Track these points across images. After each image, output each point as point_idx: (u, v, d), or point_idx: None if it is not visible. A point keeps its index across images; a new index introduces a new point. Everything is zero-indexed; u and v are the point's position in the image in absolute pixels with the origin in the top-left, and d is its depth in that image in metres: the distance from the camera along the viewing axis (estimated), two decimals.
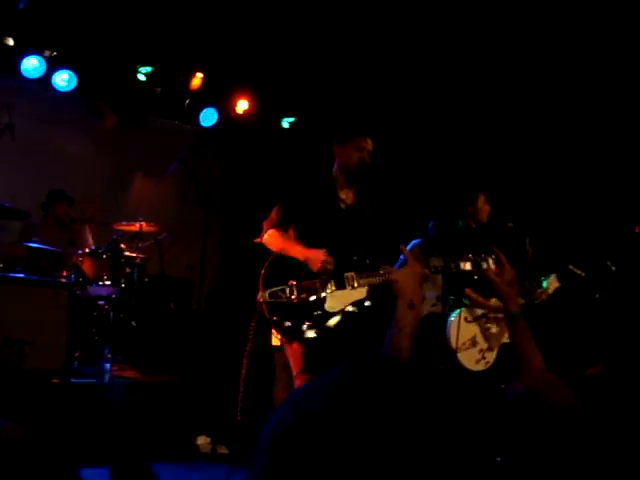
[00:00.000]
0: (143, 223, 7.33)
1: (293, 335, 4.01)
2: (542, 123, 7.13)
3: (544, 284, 5.45)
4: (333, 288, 4.07)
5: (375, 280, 4.21)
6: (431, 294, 5.37)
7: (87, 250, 6.88)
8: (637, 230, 6.02)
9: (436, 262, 4.48)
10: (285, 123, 9.17)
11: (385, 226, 4.49)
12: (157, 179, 9.04)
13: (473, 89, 7.38)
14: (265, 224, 4.32)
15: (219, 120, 8.86)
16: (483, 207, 5.73)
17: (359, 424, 0.93)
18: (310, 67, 7.95)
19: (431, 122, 7.78)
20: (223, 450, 5.93)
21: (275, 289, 3.99)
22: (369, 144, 4.40)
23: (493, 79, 7.18)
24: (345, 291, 4.09)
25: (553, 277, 5.43)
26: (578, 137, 6.89)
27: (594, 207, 6.72)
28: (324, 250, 4.07)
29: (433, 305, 5.40)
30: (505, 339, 5.33)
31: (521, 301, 5.23)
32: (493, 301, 5.23)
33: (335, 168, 4.48)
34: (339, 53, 7.54)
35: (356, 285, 4.12)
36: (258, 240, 4.31)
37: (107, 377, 6.00)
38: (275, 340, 4.17)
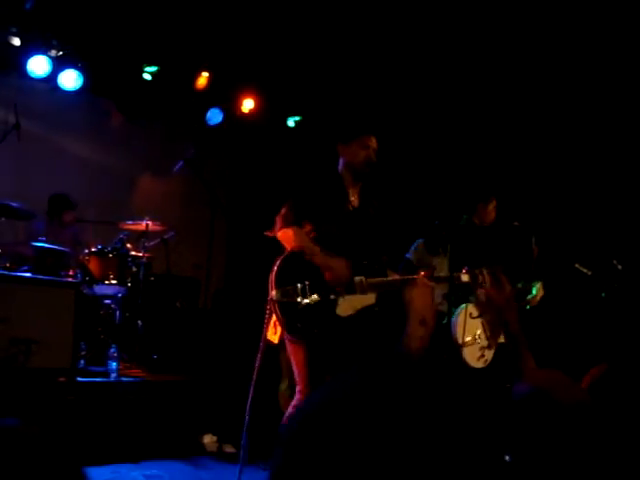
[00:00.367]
0: (149, 222, 7.33)
1: (302, 336, 3.98)
2: (549, 123, 7.12)
3: (534, 291, 5.48)
4: (344, 292, 4.06)
5: (384, 286, 4.22)
6: (437, 292, 5.38)
7: (92, 249, 6.90)
8: None
9: (439, 265, 4.51)
10: (291, 122, 9.17)
11: (386, 228, 4.47)
12: (163, 178, 9.05)
13: (477, 87, 7.37)
14: (280, 219, 4.20)
15: (225, 119, 8.86)
16: (491, 211, 5.73)
17: (376, 427, 0.94)
18: (315, 66, 7.95)
19: (439, 119, 7.78)
20: (229, 449, 5.95)
21: (287, 287, 3.95)
22: (374, 142, 4.39)
23: (502, 76, 7.17)
24: (355, 296, 4.08)
25: (540, 285, 5.47)
26: (585, 136, 6.88)
27: (600, 206, 6.70)
28: (346, 263, 4.05)
29: (439, 304, 5.41)
30: (502, 339, 5.35)
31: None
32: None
33: (340, 168, 4.43)
34: (345, 52, 7.55)
35: (366, 290, 4.11)
36: (271, 234, 4.23)
37: (114, 376, 6.02)
38: (272, 336, 4.11)
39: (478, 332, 5.28)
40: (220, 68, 8.46)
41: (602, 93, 6.69)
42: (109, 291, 6.90)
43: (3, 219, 6.40)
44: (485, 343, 5.30)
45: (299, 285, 3.94)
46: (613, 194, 6.70)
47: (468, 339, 5.19)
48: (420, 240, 6.57)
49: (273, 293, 3.95)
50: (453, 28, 6.94)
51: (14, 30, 7.33)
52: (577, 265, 5.51)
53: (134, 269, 7.15)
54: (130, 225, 7.42)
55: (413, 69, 7.54)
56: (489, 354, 5.30)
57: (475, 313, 5.27)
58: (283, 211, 4.20)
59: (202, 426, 6.06)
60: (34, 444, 1.07)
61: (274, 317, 4.00)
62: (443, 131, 7.74)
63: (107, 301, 6.93)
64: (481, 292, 5.13)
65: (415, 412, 0.98)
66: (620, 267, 5.34)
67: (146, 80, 8.19)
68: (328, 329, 3.98)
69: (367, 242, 4.28)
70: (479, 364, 5.23)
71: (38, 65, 7.51)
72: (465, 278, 4.34)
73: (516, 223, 5.57)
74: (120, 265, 6.96)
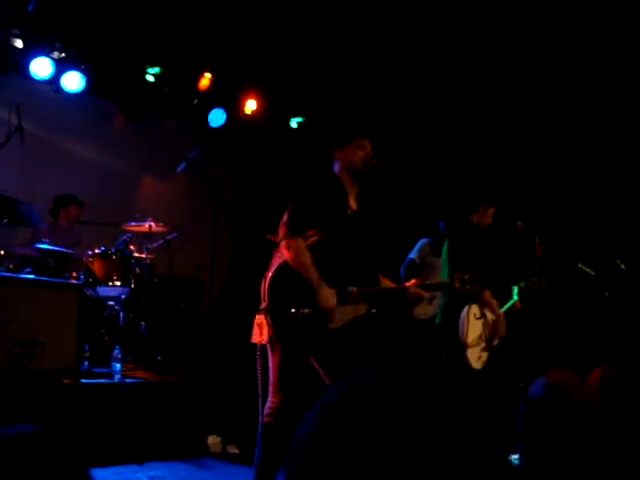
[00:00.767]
0: (152, 223, 7.34)
1: (292, 346, 3.98)
2: (553, 122, 7.12)
3: (515, 296, 5.51)
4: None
5: (376, 296, 4.22)
6: (441, 292, 5.40)
7: (96, 251, 6.91)
8: None
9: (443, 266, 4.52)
10: (293, 123, 9.17)
11: (381, 232, 4.45)
12: (166, 179, 9.06)
13: (480, 88, 7.37)
14: (284, 227, 4.09)
15: (228, 120, 8.87)
16: (490, 215, 5.63)
17: (392, 429, 0.94)
18: (318, 67, 7.95)
19: (442, 120, 7.78)
20: (233, 449, 5.95)
21: (282, 298, 3.95)
22: (369, 146, 4.35)
23: (503, 78, 7.17)
24: (346, 307, 4.07)
25: (516, 290, 5.53)
26: (589, 136, 6.88)
27: (603, 206, 6.70)
28: (334, 291, 4.03)
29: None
30: (496, 342, 5.37)
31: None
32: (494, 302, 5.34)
33: (338, 172, 4.34)
34: (347, 52, 7.55)
35: (358, 301, 4.11)
36: (277, 239, 4.17)
37: (117, 377, 6.02)
38: (258, 339, 4.07)
39: (480, 333, 5.30)
40: (223, 69, 8.47)
41: (603, 94, 6.69)
42: (112, 293, 6.91)
43: (5, 220, 6.40)
44: (484, 344, 5.32)
45: (293, 297, 3.94)
46: (616, 194, 6.69)
47: (472, 340, 5.20)
48: (424, 240, 6.58)
49: (266, 304, 3.94)
50: (454, 32, 6.94)
51: (17, 32, 7.33)
52: (580, 265, 5.52)
53: (137, 270, 7.15)
54: (133, 227, 7.43)
55: (417, 69, 7.54)
56: (485, 356, 5.32)
57: (478, 314, 5.28)
58: (286, 218, 4.11)
59: (206, 427, 6.06)
60: (55, 451, 1.07)
61: (259, 321, 4.00)
62: (448, 130, 7.74)
63: (111, 302, 6.94)
64: (487, 294, 5.15)
65: (432, 418, 0.98)
66: (623, 267, 5.34)
67: (149, 81, 8.20)
68: (318, 341, 3.98)
69: (364, 248, 4.26)
70: (477, 365, 5.25)
71: (41, 67, 7.50)
72: (456, 285, 4.36)
73: (520, 223, 5.58)
74: (123, 266, 6.97)
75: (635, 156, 6.62)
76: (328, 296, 3.97)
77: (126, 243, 7.13)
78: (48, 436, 1.08)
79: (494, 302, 5.42)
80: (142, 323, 7.17)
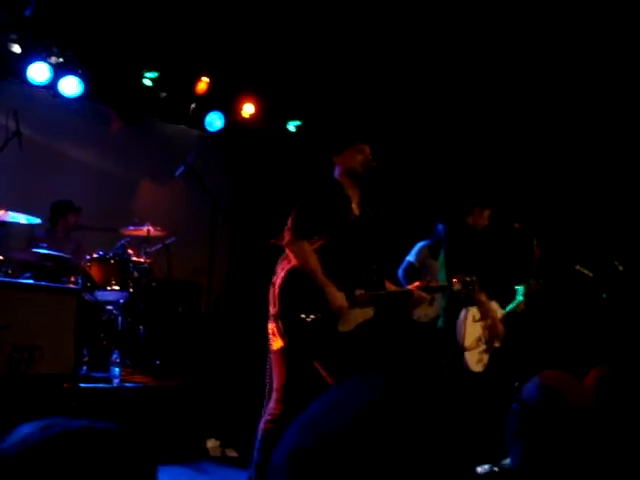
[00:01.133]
0: (150, 228, 7.34)
1: (303, 352, 3.98)
2: (550, 123, 7.12)
3: (519, 297, 5.52)
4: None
5: (383, 299, 4.23)
6: (438, 295, 5.40)
7: (94, 255, 6.91)
8: None
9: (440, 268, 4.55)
10: (291, 126, 9.17)
11: (381, 235, 4.46)
12: (164, 184, 9.06)
13: (478, 89, 7.38)
14: (288, 232, 4.07)
15: (225, 124, 8.87)
16: (486, 218, 5.64)
17: (383, 446, 0.94)
18: (316, 70, 7.96)
19: (438, 123, 7.79)
20: (232, 453, 5.95)
21: (292, 303, 3.95)
22: (367, 150, 4.36)
23: (500, 79, 7.18)
24: (355, 310, 4.08)
25: (521, 291, 5.54)
26: (586, 137, 6.89)
27: (601, 207, 6.71)
28: (343, 294, 4.03)
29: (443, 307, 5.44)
30: (497, 344, 5.37)
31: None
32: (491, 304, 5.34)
33: (338, 178, 4.36)
34: (345, 55, 7.56)
35: (366, 304, 4.12)
36: (282, 244, 4.14)
37: (116, 382, 6.02)
38: (275, 344, 4.06)
39: (479, 336, 5.30)
40: (220, 73, 8.47)
41: (602, 94, 6.70)
42: (111, 297, 6.91)
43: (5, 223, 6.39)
44: (484, 347, 5.31)
45: (303, 302, 3.94)
46: (614, 196, 6.70)
47: (470, 343, 5.20)
48: (422, 243, 6.57)
49: (276, 309, 3.93)
50: (451, 37, 6.96)
51: (14, 37, 7.33)
52: (578, 267, 5.52)
53: (136, 275, 7.15)
54: (131, 231, 7.42)
55: (414, 74, 7.55)
56: (486, 358, 5.32)
57: (477, 317, 5.28)
58: (291, 223, 4.09)
59: (205, 431, 6.06)
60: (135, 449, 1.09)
61: (272, 328, 3.98)
62: (444, 133, 7.75)
63: (109, 307, 6.93)
64: (482, 296, 5.16)
65: (428, 434, 0.99)
66: (621, 268, 5.34)
67: (146, 86, 8.21)
68: (327, 346, 3.99)
69: (367, 252, 4.27)
70: (478, 368, 5.24)
71: (38, 72, 7.50)
72: (458, 287, 4.37)
73: (517, 225, 5.58)
74: (122, 271, 6.97)
75: (633, 157, 6.63)
76: (338, 297, 3.98)
77: (124, 247, 7.13)
78: (130, 433, 1.11)
79: (491, 304, 5.42)
80: (140, 327, 7.17)
